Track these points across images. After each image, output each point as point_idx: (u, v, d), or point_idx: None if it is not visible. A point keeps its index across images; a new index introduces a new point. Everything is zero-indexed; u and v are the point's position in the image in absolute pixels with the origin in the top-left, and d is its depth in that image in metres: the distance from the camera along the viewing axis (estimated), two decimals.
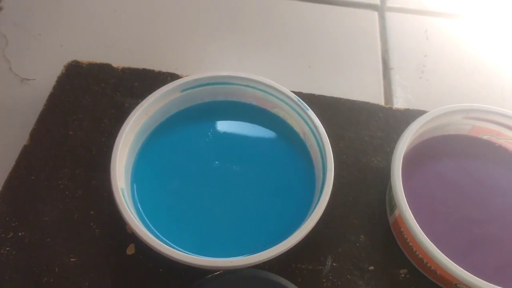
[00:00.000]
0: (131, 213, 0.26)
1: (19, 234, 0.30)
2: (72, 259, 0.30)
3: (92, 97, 0.37)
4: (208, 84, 0.33)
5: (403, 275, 0.30)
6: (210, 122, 0.34)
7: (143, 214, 0.29)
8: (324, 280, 0.30)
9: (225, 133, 0.33)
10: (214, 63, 0.42)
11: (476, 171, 0.33)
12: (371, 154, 0.35)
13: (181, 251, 0.26)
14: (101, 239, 0.31)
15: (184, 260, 0.25)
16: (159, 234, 0.28)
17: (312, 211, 0.27)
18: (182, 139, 0.32)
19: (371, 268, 0.30)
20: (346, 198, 0.33)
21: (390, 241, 0.32)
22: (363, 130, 0.37)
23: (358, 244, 0.31)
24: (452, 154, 0.34)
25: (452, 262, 0.26)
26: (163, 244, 0.25)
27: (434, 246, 0.27)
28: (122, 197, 0.27)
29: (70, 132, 0.35)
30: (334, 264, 0.30)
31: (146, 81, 0.38)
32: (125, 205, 0.26)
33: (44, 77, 0.40)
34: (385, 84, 0.43)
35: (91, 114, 0.36)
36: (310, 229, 0.27)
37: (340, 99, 0.38)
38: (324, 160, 0.30)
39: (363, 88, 0.41)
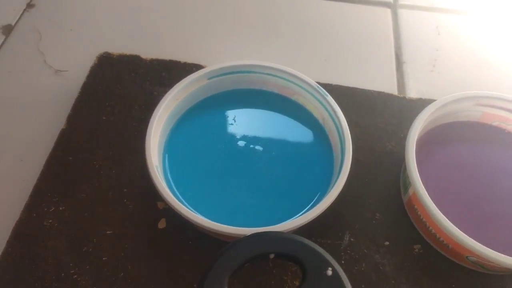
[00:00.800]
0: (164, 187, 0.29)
1: (60, 208, 0.33)
2: (108, 232, 0.32)
3: (123, 86, 0.39)
4: (232, 72, 0.35)
5: (416, 250, 0.32)
6: (234, 108, 0.36)
7: (174, 188, 0.31)
8: (342, 253, 0.32)
9: (248, 119, 0.36)
10: (236, 56, 0.44)
11: (486, 155, 0.35)
12: (385, 139, 0.37)
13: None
14: (134, 214, 0.33)
15: (215, 228, 0.27)
16: (189, 207, 0.30)
17: (332, 188, 0.29)
18: (209, 123, 0.35)
19: (387, 243, 0.32)
20: (362, 180, 0.35)
21: (404, 219, 0.34)
22: (377, 117, 0.39)
23: (374, 222, 0.33)
24: (463, 139, 0.36)
25: (464, 234, 0.28)
26: (197, 214, 0.28)
27: (447, 220, 0.29)
28: (157, 173, 0.29)
29: (103, 118, 0.37)
30: (351, 239, 0.32)
31: (173, 71, 0.40)
32: (160, 180, 0.29)
33: (76, 68, 0.43)
34: (398, 77, 0.45)
35: (122, 101, 0.38)
36: (330, 203, 0.29)
37: (356, 88, 0.40)
38: (343, 143, 0.32)
39: (376, 81, 0.43)
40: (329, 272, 0.22)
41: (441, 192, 0.33)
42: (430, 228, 0.31)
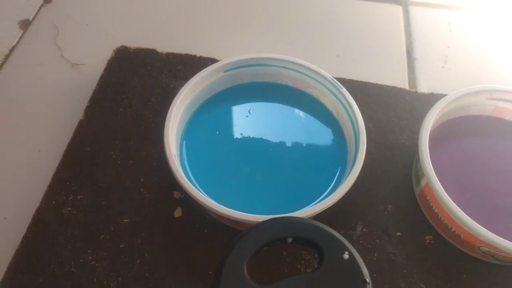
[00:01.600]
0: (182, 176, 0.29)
1: (78, 197, 0.34)
2: (125, 220, 0.33)
3: (139, 79, 0.40)
4: (248, 65, 0.36)
5: (428, 241, 0.33)
6: (250, 101, 0.37)
7: (191, 177, 0.32)
8: (355, 243, 0.32)
9: (263, 111, 0.36)
10: (250, 51, 0.45)
11: (498, 148, 0.35)
12: (398, 133, 0.38)
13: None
14: (151, 203, 0.34)
15: (233, 215, 0.28)
16: (206, 195, 0.31)
17: (346, 178, 0.30)
18: (225, 114, 0.35)
19: (398, 234, 0.33)
20: (374, 172, 0.36)
21: (416, 210, 0.34)
22: (390, 111, 0.39)
23: (386, 213, 0.34)
24: (475, 133, 0.36)
25: (476, 223, 0.29)
26: (213, 201, 0.28)
27: (459, 209, 0.29)
28: (175, 161, 0.30)
29: (121, 109, 0.38)
30: (364, 230, 0.33)
31: (188, 65, 0.41)
32: (178, 167, 0.29)
33: (92, 62, 0.44)
34: (409, 73, 0.45)
35: (139, 94, 0.39)
36: (344, 193, 0.29)
37: (368, 83, 0.41)
38: (357, 134, 0.32)
39: (388, 77, 0.44)
40: (346, 256, 0.23)
41: (453, 183, 0.33)
42: (442, 218, 0.31)
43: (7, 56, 0.45)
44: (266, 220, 0.24)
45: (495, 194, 0.33)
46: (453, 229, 0.31)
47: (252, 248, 0.23)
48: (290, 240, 0.24)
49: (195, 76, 0.34)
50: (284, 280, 0.22)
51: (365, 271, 0.23)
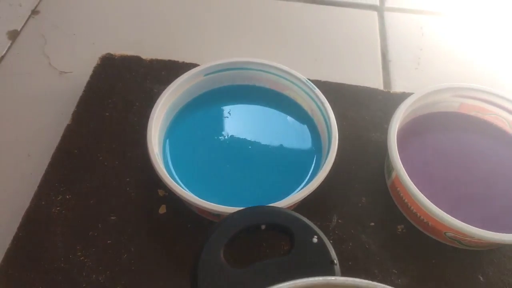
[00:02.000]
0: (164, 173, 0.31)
1: (67, 197, 0.35)
2: (112, 217, 0.34)
3: (124, 84, 0.42)
4: (228, 69, 0.38)
5: (400, 230, 0.35)
6: (230, 102, 0.39)
7: (174, 174, 0.33)
8: (331, 234, 0.34)
9: (242, 112, 0.38)
10: (232, 56, 0.47)
11: (463, 142, 0.38)
12: (371, 130, 0.40)
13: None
14: (137, 201, 0.35)
15: (212, 208, 0.29)
16: (187, 190, 0.32)
17: (320, 171, 0.32)
18: (206, 116, 0.37)
19: (372, 224, 0.35)
20: (349, 167, 0.38)
21: (388, 202, 0.36)
22: (364, 110, 0.41)
23: (360, 205, 0.36)
24: (443, 128, 0.38)
25: (442, 211, 0.31)
26: (195, 196, 0.30)
27: (426, 198, 0.31)
28: (157, 159, 0.31)
29: (107, 113, 0.40)
30: (339, 221, 0.35)
31: (172, 70, 0.43)
32: (160, 165, 0.31)
33: (79, 70, 0.45)
34: (384, 75, 0.47)
35: (124, 98, 0.41)
36: (318, 184, 0.31)
37: (343, 84, 0.43)
38: (329, 130, 0.34)
39: (364, 79, 0.46)
40: (315, 240, 0.25)
41: (421, 175, 0.35)
42: (412, 208, 0.33)
43: None
44: (241, 210, 0.26)
45: (460, 184, 0.35)
46: (422, 217, 0.33)
47: (228, 234, 0.25)
48: (263, 227, 0.25)
49: (176, 80, 0.36)
50: (256, 263, 0.24)
51: (332, 253, 0.24)
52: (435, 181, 0.35)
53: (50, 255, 0.32)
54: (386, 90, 0.44)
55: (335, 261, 0.24)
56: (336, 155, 0.33)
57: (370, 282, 0.22)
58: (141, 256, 0.33)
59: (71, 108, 0.41)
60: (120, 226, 0.34)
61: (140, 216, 0.35)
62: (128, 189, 0.36)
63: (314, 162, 0.35)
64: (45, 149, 0.39)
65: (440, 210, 0.31)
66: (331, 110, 0.35)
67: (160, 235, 0.34)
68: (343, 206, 0.36)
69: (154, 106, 0.34)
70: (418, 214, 0.33)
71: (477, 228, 0.30)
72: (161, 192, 0.36)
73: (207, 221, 0.34)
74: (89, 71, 0.44)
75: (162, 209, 0.35)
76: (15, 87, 0.44)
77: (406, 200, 0.34)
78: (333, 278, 0.22)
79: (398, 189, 0.34)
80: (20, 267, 0.32)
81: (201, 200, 0.30)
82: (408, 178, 0.32)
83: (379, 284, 0.22)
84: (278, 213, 0.26)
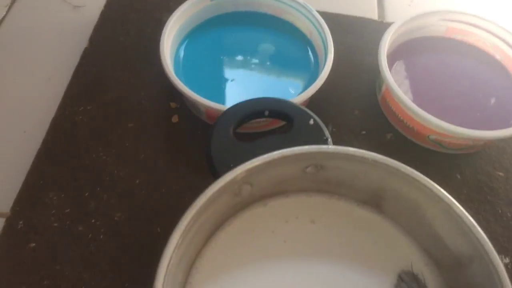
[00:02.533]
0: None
1: (88, 108, 0.39)
2: (130, 125, 0.38)
3: (136, 13, 0.45)
4: None
5: (388, 137, 0.39)
6: (234, 26, 0.42)
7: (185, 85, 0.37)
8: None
9: (245, 35, 0.42)
10: None
11: (448, 62, 0.41)
12: (365, 54, 0.44)
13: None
14: (151, 111, 0.39)
15: (221, 109, 0.33)
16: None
17: (318, 77, 0.36)
18: (213, 38, 0.41)
19: (363, 132, 0.39)
20: (344, 85, 0.41)
21: (378, 114, 0.40)
22: (358, 37, 0.45)
23: (353, 116, 0.40)
24: (430, 50, 0.42)
25: (425, 111, 0.34)
26: (205, 99, 0.34)
27: (412, 103, 0.35)
28: (172, 72, 0.35)
29: (121, 38, 0.43)
30: (333, 130, 0.39)
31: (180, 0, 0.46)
32: (175, 76, 0.35)
33: (91, 4, 0.48)
34: (379, 11, 0.50)
35: (136, 26, 0.44)
36: (316, 90, 0.35)
37: (340, 14, 0.46)
38: (326, 48, 0.38)
39: (359, 10, 0.49)
40: (311, 122, 0.29)
41: (409, 90, 0.39)
42: (399, 115, 0.37)
43: (13, 1, 0.49)
44: (248, 100, 0.30)
45: (444, 98, 0.39)
46: (408, 123, 0.37)
47: (237, 116, 0.28)
48: (267, 113, 0.29)
49: (184, 3, 0.39)
50: (261, 139, 0.28)
51: (326, 132, 0.28)
52: (421, 95, 0.39)
53: (75, 154, 0.36)
54: (380, 20, 0.47)
55: (328, 139, 0.28)
56: (332, 73, 0.36)
57: (358, 150, 0.26)
58: (156, 157, 0.37)
59: (85, 38, 0.44)
60: (137, 132, 0.38)
61: (154, 124, 0.38)
62: (143, 101, 0.39)
63: (313, 75, 0.38)
64: (65, 71, 0.42)
65: (423, 111, 0.35)
66: (328, 29, 0.38)
67: (173, 140, 0.38)
68: (337, 117, 0.39)
69: (166, 24, 0.37)
70: (405, 121, 0.37)
71: (457, 126, 0.34)
72: (173, 105, 0.39)
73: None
74: (101, 5, 0.47)
75: (175, 118, 0.39)
76: (30, 22, 0.47)
77: (394, 109, 0.37)
78: (325, 147, 0.26)
79: (388, 100, 0.38)
80: (50, 164, 0.36)
81: (210, 101, 0.34)
82: (395, 84, 0.36)
83: (367, 152, 0.26)
84: (279, 102, 0.29)
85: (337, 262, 0.29)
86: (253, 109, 0.29)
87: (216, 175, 0.26)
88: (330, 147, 0.26)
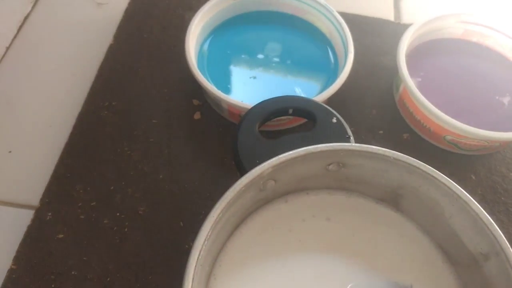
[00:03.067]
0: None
1: (113, 103, 0.40)
2: (153, 121, 0.39)
3: (159, 11, 0.46)
4: None
5: (405, 137, 0.39)
6: (255, 26, 0.43)
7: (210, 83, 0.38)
8: None
9: (267, 34, 0.43)
10: None
11: (465, 64, 0.42)
12: (382, 55, 0.44)
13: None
14: (174, 108, 0.40)
15: (244, 107, 0.34)
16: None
17: (338, 77, 0.36)
18: (235, 37, 0.42)
19: (381, 132, 0.40)
20: (362, 85, 0.42)
21: (396, 114, 0.41)
22: (376, 38, 0.46)
23: (370, 116, 0.40)
24: (447, 52, 0.42)
25: (442, 112, 0.35)
26: (228, 96, 0.35)
27: (428, 102, 0.36)
28: (197, 69, 0.36)
29: (144, 35, 0.44)
30: (352, 129, 0.39)
31: None
32: (200, 73, 0.36)
33: (114, 1, 0.49)
34: (395, 11, 0.51)
35: (159, 23, 0.45)
36: (336, 90, 0.36)
37: (358, 15, 0.47)
38: (346, 48, 0.39)
39: (377, 11, 0.50)
40: (334, 120, 0.29)
41: (426, 91, 0.39)
42: (416, 116, 0.38)
43: None
44: (272, 98, 0.31)
45: (460, 99, 0.40)
46: (425, 123, 0.38)
47: (262, 114, 0.29)
48: (290, 111, 0.30)
49: (208, 2, 0.40)
50: (285, 136, 0.29)
51: (349, 130, 0.29)
52: (437, 96, 0.39)
53: (100, 149, 0.38)
54: (397, 21, 0.48)
55: (351, 137, 0.29)
56: (351, 73, 0.37)
57: (380, 148, 0.27)
58: (180, 152, 0.38)
59: (110, 35, 0.45)
60: (161, 128, 0.39)
61: (177, 120, 0.39)
62: (166, 98, 0.41)
63: (331, 74, 0.39)
64: (89, 68, 0.43)
65: (440, 112, 0.35)
66: (348, 30, 0.39)
67: (196, 136, 0.39)
68: (355, 117, 0.40)
69: (190, 24, 0.38)
70: (422, 121, 0.38)
71: (473, 127, 0.35)
72: (195, 102, 0.40)
73: (236, 125, 0.39)
74: (124, 2, 0.48)
75: (197, 115, 0.40)
76: (55, 18, 0.48)
77: (411, 110, 0.38)
78: (349, 144, 0.27)
79: (405, 100, 0.39)
80: (76, 158, 0.37)
81: (233, 99, 0.35)
82: (413, 84, 0.37)
83: (389, 150, 0.27)
84: (303, 100, 0.30)
85: (353, 260, 0.30)
86: (278, 107, 0.30)
87: (242, 171, 0.27)
88: (354, 145, 0.27)
